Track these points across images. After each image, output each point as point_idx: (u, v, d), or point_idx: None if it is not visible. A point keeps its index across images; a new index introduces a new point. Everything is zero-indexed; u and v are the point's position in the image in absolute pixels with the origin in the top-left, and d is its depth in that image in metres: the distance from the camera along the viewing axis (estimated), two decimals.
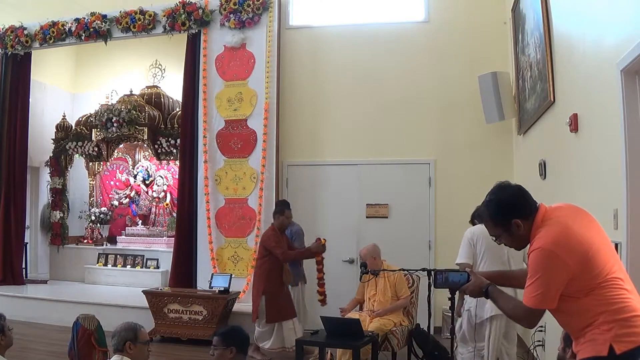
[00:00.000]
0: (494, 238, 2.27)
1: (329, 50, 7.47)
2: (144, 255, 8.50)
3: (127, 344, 3.03)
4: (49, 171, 9.24)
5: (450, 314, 3.14)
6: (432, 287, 3.17)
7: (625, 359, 1.91)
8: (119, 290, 8.00)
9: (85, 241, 9.24)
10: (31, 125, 8.65)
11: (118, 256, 8.64)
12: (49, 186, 9.23)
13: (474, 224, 4.66)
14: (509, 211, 2.15)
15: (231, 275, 6.46)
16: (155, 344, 5.25)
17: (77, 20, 7.92)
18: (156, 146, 8.60)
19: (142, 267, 8.42)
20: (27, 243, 8.81)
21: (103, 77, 9.56)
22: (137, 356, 3.06)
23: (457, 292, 2.59)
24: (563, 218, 2.11)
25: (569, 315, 2.07)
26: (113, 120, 8.27)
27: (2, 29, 8.40)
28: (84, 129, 8.96)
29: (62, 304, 7.11)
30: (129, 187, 9.48)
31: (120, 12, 7.71)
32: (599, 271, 1.99)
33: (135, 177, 9.43)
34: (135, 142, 8.95)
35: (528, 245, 2.17)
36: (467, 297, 4.16)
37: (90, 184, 9.60)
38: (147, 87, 9.01)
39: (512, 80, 6.42)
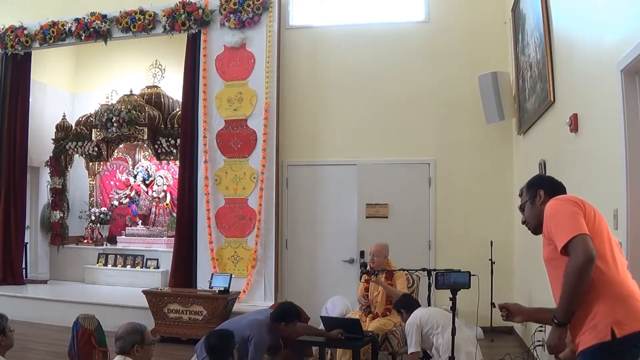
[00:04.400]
0: (520, 206, 2.52)
1: (329, 50, 7.48)
2: (144, 255, 8.49)
3: (135, 347, 3.03)
4: (49, 171, 9.23)
5: (450, 314, 3.13)
6: (432, 287, 3.17)
7: (627, 343, 1.95)
8: (119, 290, 7.99)
9: (85, 241, 9.24)
10: (31, 125, 8.63)
11: (118, 256, 8.64)
12: (49, 186, 9.22)
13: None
14: (541, 183, 2.50)
15: (231, 275, 6.44)
16: (155, 344, 5.24)
17: (77, 20, 7.91)
18: (156, 146, 8.59)
19: (142, 267, 8.42)
20: (27, 243, 8.80)
21: (103, 77, 9.55)
22: (143, 357, 3.06)
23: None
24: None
25: None
26: (113, 120, 8.26)
27: (2, 29, 8.39)
28: (84, 129, 8.95)
29: (62, 304, 7.10)
30: (129, 187, 9.47)
31: (120, 12, 7.70)
32: (604, 242, 2.09)
33: (135, 177, 9.42)
34: (135, 142, 8.94)
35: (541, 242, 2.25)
36: None
37: (90, 184, 9.59)
38: (147, 87, 9.00)
39: (512, 80, 6.42)
